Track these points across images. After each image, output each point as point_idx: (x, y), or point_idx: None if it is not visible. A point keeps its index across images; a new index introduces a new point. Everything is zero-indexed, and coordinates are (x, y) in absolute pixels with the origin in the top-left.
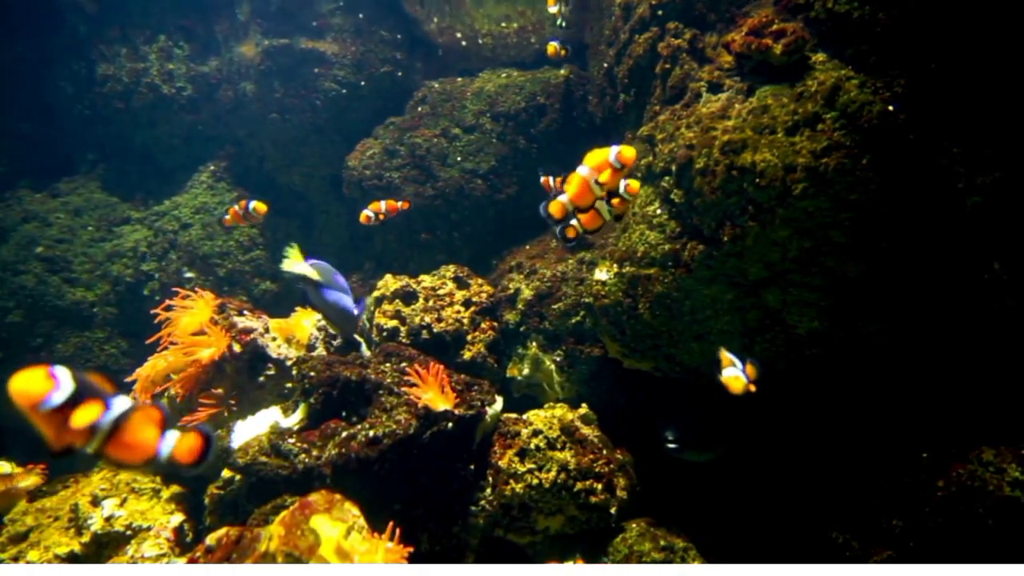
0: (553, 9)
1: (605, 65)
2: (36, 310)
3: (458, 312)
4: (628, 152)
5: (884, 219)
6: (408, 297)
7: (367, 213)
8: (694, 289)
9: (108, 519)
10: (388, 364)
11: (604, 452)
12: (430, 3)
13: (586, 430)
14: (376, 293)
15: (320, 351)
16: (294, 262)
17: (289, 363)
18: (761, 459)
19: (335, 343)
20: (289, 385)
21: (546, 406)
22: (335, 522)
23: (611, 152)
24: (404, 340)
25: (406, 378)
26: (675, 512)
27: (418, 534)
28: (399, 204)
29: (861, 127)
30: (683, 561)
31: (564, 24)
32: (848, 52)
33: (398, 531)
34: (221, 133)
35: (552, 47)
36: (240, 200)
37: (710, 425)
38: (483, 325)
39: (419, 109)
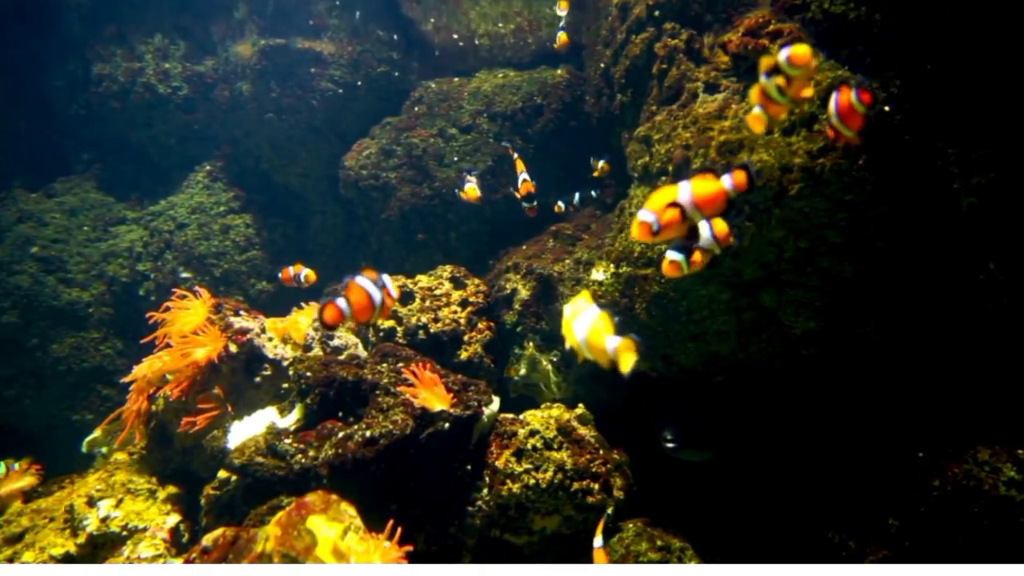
0: (562, 12)
1: (602, 65)
2: (31, 310)
3: (455, 312)
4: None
5: (880, 219)
6: (405, 297)
7: (290, 274)
8: (691, 289)
9: (104, 520)
10: (385, 364)
11: (601, 452)
12: (427, 3)
13: (583, 430)
14: None
15: (316, 351)
16: None
17: (286, 363)
18: (758, 459)
19: (331, 343)
20: (285, 385)
21: (543, 406)
22: (332, 523)
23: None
24: (401, 340)
25: (403, 378)
26: (672, 512)
27: (415, 534)
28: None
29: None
30: (680, 561)
31: (567, 20)
32: (844, 53)
33: (396, 531)
34: (217, 133)
35: (563, 36)
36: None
37: (708, 425)
38: (480, 325)
39: (416, 109)
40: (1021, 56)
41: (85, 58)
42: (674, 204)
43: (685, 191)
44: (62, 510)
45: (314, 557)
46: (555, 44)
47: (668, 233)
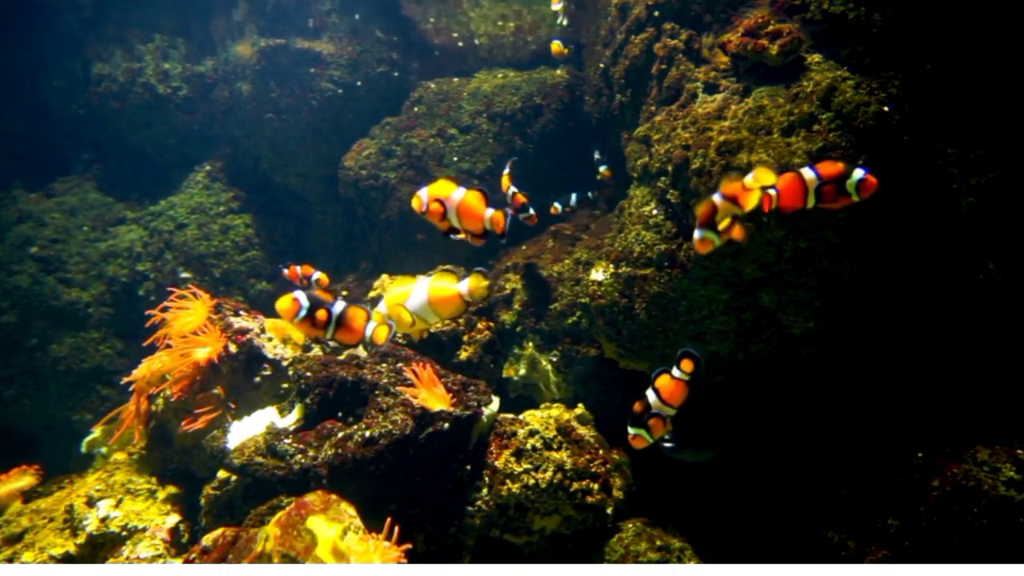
0: (557, 7)
1: (601, 65)
2: (31, 310)
3: None
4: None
5: (879, 219)
6: None
7: (297, 273)
8: (690, 289)
9: (103, 520)
10: (384, 364)
11: (600, 452)
12: (427, 3)
13: (582, 430)
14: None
15: (316, 351)
16: None
17: (285, 363)
18: (757, 459)
19: (331, 344)
20: (285, 385)
21: (542, 406)
22: (331, 523)
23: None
24: (400, 340)
25: (402, 378)
26: (671, 512)
27: (414, 534)
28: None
29: (856, 128)
30: (679, 561)
31: (566, 23)
32: (843, 53)
33: (395, 531)
34: (217, 133)
35: (556, 45)
36: None
37: (706, 425)
38: (479, 325)
39: (415, 109)
40: (1021, 56)
41: (85, 58)
42: (439, 200)
43: (458, 194)
44: (62, 510)
45: (314, 557)
46: (553, 51)
47: (432, 217)
